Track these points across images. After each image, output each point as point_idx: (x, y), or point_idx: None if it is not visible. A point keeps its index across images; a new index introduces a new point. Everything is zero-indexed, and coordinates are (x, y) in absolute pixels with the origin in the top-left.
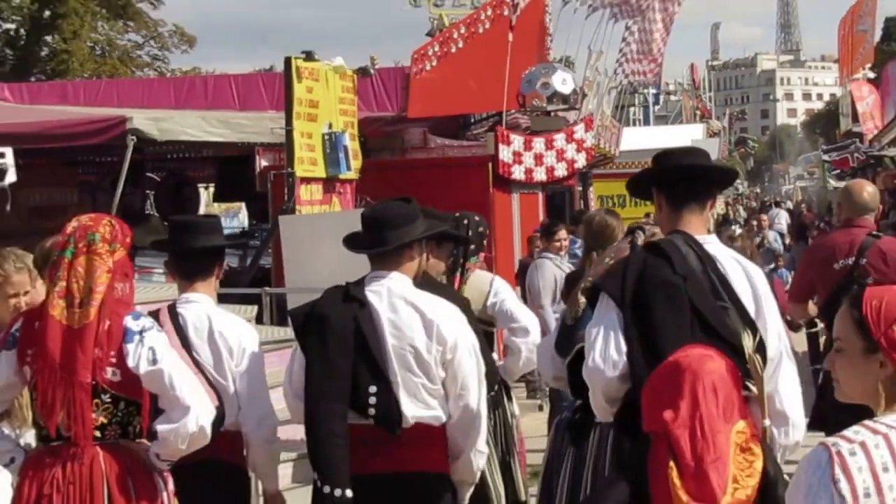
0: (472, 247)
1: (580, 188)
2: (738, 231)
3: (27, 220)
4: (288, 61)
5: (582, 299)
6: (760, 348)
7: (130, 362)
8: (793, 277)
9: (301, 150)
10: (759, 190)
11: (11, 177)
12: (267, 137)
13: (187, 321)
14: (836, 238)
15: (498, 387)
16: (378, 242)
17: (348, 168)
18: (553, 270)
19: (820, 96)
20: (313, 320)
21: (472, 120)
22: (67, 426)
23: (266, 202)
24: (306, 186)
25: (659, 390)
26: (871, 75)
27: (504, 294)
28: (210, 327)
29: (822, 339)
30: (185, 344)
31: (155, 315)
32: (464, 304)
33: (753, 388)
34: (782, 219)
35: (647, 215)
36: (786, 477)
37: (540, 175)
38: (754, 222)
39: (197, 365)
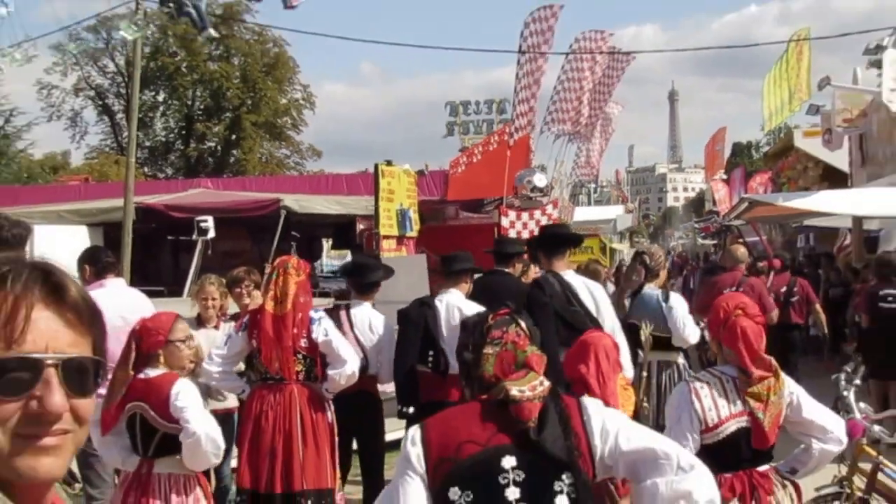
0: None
1: None
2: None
3: (220, 259)
4: (377, 166)
5: None
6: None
7: (314, 335)
8: (697, 297)
9: (383, 219)
10: (656, 245)
11: (211, 233)
12: (363, 211)
13: (355, 315)
14: (725, 276)
15: None
16: (449, 270)
17: (411, 230)
18: None
19: (693, 189)
20: (404, 314)
21: (485, 202)
22: (276, 371)
23: (362, 250)
24: (386, 240)
25: (575, 355)
26: (724, 177)
27: None
28: (367, 318)
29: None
30: (351, 326)
31: (337, 310)
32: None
33: None
34: (669, 262)
35: (591, 260)
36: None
37: (525, 234)
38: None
39: (355, 337)
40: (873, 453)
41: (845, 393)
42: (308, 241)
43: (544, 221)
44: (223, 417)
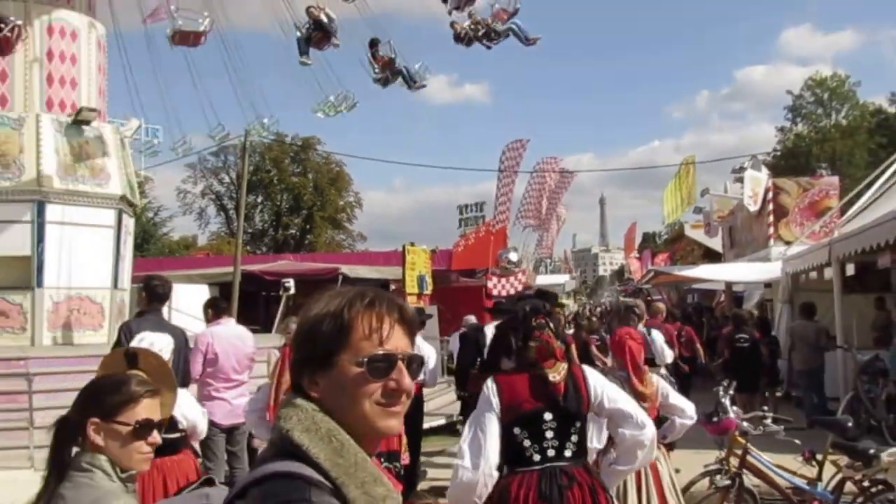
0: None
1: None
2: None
3: (297, 309)
4: (404, 247)
5: None
6: None
7: None
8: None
9: (408, 281)
10: (591, 301)
11: (292, 291)
12: (395, 276)
13: (418, 344)
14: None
15: None
16: (494, 312)
17: (427, 289)
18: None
19: (616, 264)
20: (464, 336)
21: (477, 271)
22: None
23: None
24: (410, 297)
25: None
26: (637, 256)
27: None
28: (420, 345)
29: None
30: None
31: None
32: None
33: None
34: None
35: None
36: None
37: (504, 293)
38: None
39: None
40: (743, 441)
41: (723, 400)
42: None
43: (518, 285)
44: None
